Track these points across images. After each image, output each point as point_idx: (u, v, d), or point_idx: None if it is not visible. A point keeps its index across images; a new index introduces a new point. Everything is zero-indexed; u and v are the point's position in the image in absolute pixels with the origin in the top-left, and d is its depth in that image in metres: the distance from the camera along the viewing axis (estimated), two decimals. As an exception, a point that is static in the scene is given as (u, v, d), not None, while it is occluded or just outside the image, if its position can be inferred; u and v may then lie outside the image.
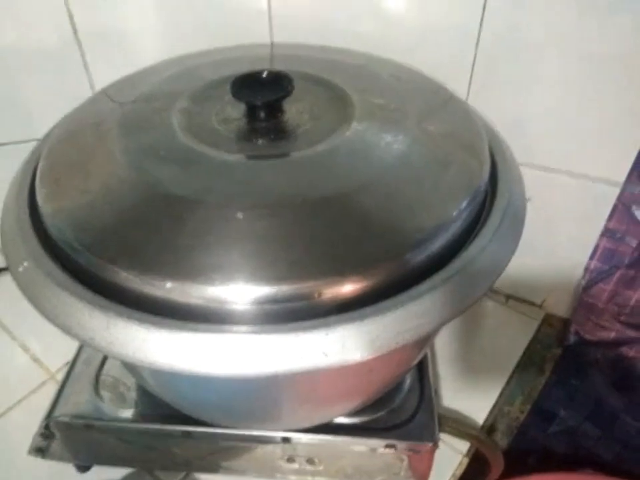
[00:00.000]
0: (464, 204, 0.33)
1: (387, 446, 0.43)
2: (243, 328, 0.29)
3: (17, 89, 0.57)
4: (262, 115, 0.37)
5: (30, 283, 0.32)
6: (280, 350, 0.28)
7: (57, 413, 0.46)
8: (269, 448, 0.45)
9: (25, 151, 0.60)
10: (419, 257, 0.31)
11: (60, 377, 0.61)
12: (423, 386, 0.46)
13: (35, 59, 0.56)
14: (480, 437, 0.50)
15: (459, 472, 0.51)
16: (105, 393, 0.47)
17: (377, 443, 0.43)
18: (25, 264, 0.32)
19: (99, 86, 0.58)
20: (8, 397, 0.59)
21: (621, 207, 0.53)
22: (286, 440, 0.44)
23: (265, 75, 0.37)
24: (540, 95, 0.51)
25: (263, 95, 0.36)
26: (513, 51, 0.49)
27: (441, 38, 0.51)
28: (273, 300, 0.29)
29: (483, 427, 0.55)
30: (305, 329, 0.28)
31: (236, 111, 0.39)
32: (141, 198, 0.32)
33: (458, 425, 0.50)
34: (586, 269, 0.59)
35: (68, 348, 0.60)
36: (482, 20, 0.48)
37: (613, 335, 0.63)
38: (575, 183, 0.55)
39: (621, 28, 0.45)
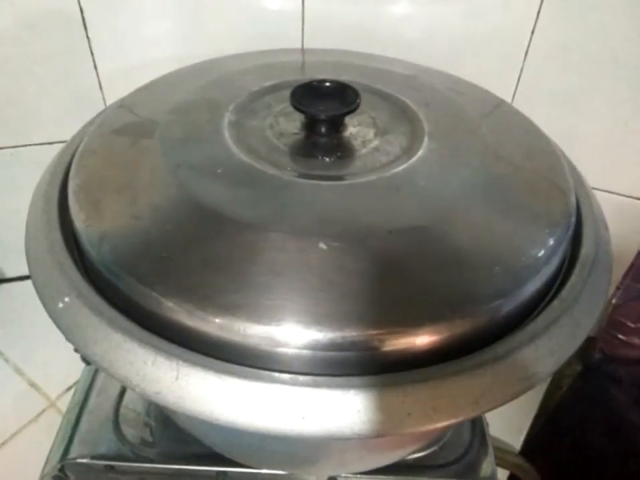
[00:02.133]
0: (559, 240, 0.30)
1: (442, 485, 0.40)
2: (323, 381, 0.25)
3: (21, 88, 0.51)
4: (323, 129, 0.34)
5: (74, 321, 0.27)
6: (359, 411, 0.24)
7: (72, 453, 0.41)
8: (310, 487, 0.42)
9: (29, 155, 0.55)
10: (513, 304, 0.28)
11: (61, 404, 0.57)
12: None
13: (41, 55, 0.50)
14: (523, 466, 0.48)
15: (501, 503, 0.49)
16: (126, 430, 0.43)
17: (431, 482, 0.40)
18: (67, 299, 0.28)
19: (107, 88, 0.53)
20: (4, 427, 0.53)
21: (661, 226, 0.52)
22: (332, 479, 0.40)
23: (327, 85, 0.34)
24: (588, 111, 0.49)
25: (327, 109, 0.33)
26: (562, 65, 0.47)
27: (487, 46, 0.48)
28: (366, 347, 0.25)
29: (520, 452, 0.53)
30: (386, 386, 0.24)
31: (291, 123, 0.35)
32: (202, 224, 0.28)
33: (502, 454, 0.47)
34: (617, 288, 0.58)
35: (67, 372, 0.55)
36: (533, 30, 0.46)
37: (639, 353, 0.62)
38: (614, 201, 0.53)
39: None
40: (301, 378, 0.25)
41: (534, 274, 0.28)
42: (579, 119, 0.50)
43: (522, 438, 0.54)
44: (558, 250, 0.30)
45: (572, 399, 0.69)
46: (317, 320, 0.25)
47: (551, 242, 0.30)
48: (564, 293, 0.29)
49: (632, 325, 0.59)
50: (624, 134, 0.50)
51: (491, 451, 0.42)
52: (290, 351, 0.26)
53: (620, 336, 0.61)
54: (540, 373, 0.26)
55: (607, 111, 0.49)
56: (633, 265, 0.55)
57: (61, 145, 0.55)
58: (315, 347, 0.25)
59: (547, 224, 0.31)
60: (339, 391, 0.24)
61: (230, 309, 0.26)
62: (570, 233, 0.32)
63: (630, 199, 0.53)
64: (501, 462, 0.47)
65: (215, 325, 0.26)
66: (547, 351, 0.26)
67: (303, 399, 0.24)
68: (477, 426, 0.43)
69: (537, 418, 0.70)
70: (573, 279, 0.30)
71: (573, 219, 0.32)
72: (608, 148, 0.51)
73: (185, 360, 0.25)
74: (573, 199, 0.33)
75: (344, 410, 0.23)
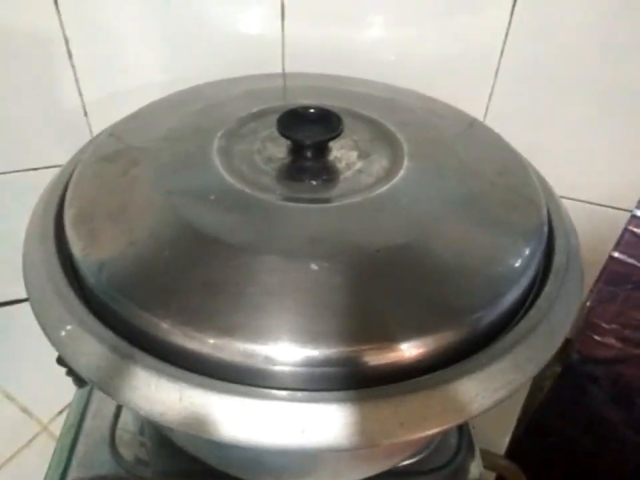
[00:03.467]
0: (534, 251, 0.32)
1: (433, 489, 0.42)
2: (326, 396, 0.26)
3: (5, 114, 0.52)
4: (308, 154, 0.35)
5: (77, 349, 0.28)
6: (355, 423, 0.25)
7: (70, 476, 0.42)
8: (305, 498, 0.43)
9: (15, 181, 0.56)
10: (494, 314, 0.30)
11: (53, 428, 0.57)
12: (460, 423, 0.45)
13: (25, 81, 0.51)
14: (510, 467, 0.50)
15: (489, 504, 0.51)
16: (123, 451, 0.44)
17: (422, 487, 0.42)
18: (69, 327, 0.29)
19: (92, 114, 0.54)
20: (-3, 454, 0.53)
21: (630, 233, 0.55)
22: (326, 489, 0.41)
23: (311, 111, 0.35)
24: (555, 126, 0.52)
25: (312, 134, 0.35)
26: (531, 82, 0.50)
27: (459, 67, 0.51)
28: (358, 362, 0.27)
29: (506, 454, 0.55)
30: (379, 398, 0.26)
31: (278, 149, 0.37)
32: (198, 249, 0.30)
33: (488, 457, 0.49)
34: (591, 291, 0.61)
35: (59, 396, 0.56)
36: (503, 50, 0.49)
37: (614, 352, 0.64)
38: (585, 210, 0.56)
39: (638, 65, 0.47)
40: (299, 394, 0.26)
41: (512, 284, 0.30)
42: (548, 132, 0.53)
43: (507, 440, 0.56)
44: (533, 260, 0.32)
45: (553, 399, 0.71)
46: (312, 338, 0.27)
47: (527, 253, 0.32)
48: (540, 301, 0.31)
49: (606, 326, 0.62)
50: (591, 146, 0.52)
51: (477, 454, 0.43)
52: (287, 368, 0.27)
53: (595, 337, 0.64)
54: (520, 378, 0.27)
55: (575, 125, 0.51)
56: (604, 268, 0.58)
57: (48, 170, 0.56)
58: (310, 363, 0.27)
59: (522, 236, 0.33)
60: (335, 404, 0.25)
61: (228, 330, 0.27)
62: (543, 243, 0.34)
63: (599, 207, 0.56)
64: (487, 464, 0.49)
65: (214, 346, 0.27)
66: (526, 357, 0.28)
67: (302, 413, 0.25)
68: (464, 431, 0.45)
69: (521, 420, 0.72)
70: (548, 287, 0.32)
71: (546, 230, 0.34)
72: (576, 159, 0.54)
73: (187, 381, 0.26)
74: (545, 211, 0.35)
75: (341, 422, 0.25)
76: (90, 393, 0.48)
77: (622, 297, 0.59)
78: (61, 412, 0.57)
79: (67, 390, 0.48)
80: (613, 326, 0.62)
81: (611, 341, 0.64)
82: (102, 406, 0.46)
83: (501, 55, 0.49)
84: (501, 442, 0.54)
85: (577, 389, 0.70)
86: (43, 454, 0.47)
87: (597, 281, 0.59)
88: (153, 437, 0.45)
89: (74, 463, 0.43)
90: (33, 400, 0.58)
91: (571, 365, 0.68)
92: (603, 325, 0.62)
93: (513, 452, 0.71)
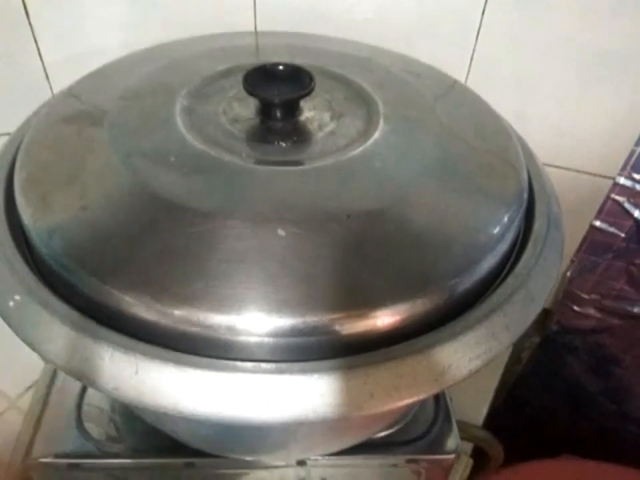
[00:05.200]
0: (512, 217, 0.31)
1: (408, 461, 0.41)
2: (282, 366, 0.25)
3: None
4: (278, 113, 0.33)
5: (25, 320, 0.26)
6: (322, 394, 0.24)
7: (35, 453, 0.41)
8: (279, 471, 0.42)
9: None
10: (470, 281, 0.28)
11: (21, 404, 0.55)
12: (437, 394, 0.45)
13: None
14: (487, 439, 0.49)
15: (466, 474, 0.50)
16: (90, 426, 0.42)
17: (398, 459, 0.41)
18: (17, 297, 0.27)
19: (53, 77, 0.51)
20: (-37, 431, 0.52)
21: (611, 201, 0.54)
22: (301, 463, 0.41)
23: (281, 68, 0.33)
24: (538, 91, 0.50)
25: (281, 92, 0.32)
26: (515, 45, 0.48)
27: (439, 26, 0.48)
28: (327, 331, 0.25)
29: (483, 425, 0.55)
30: (348, 368, 0.25)
31: (246, 108, 0.35)
32: (157, 214, 0.28)
33: (465, 428, 0.49)
34: (572, 261, 0.60)
35: (26, 371, 0.54)
36: (484, 10, 0.46)
37: (593, 323, 0.64)
38: (567, 177, 0.54)
39: (621, 29, 0.45)
40: (264, 365, 0.25)
41: (489, 251, 0.29)
42: (529, 97, 0.51)
43: (484, 411, 0.56)
44: (511, 227, 0.31)
45: (531, 370, 0.71)
46: (278, 307, 0.25)
47: (505, 219, 0.30)
48: (517, 269, 0.30)
49: (586, 297, 0.62)
50: (574, 112, 0.51)
51: (454, 425, 0.43)
52: (252, 339, 0.26)
53: (575, 307, 0.63)
54: (496, 347, 0.26)
55: (558, 90, 0.50)
56: (585, 238, 0.57)
57: (6, 137, 0.52)
58: (277, 333, 0.25)
59: (501, 202, 0.31)
60: (301, 376, 0.24)
61: (189, 299, 0.25)
62: (523, 209, 0.32)
63: (582, 174, 0.55)
64: (465, 436, 0.49)
65: (174, 317, 0.25)
66: (503, 325, 0.27)
67: (267, 386, 0.24)
68: (441, 402, 0.44)
69: (498, 391, 0.72)
70: (526, 255, 0.30)
71: (525, 196, 0.33)
72: (559, 125, 0.52)
73: (144, 353, 0.25)
74: (525, 176, 0.34)
75: (307, 394, 0.24)
76: (56, 368, 0.46)
77: (602, 266, 0.59)
78: (29, 388, 0.55)
79: (35, 365, 0.46)
80: (593, 296, 0.62)
81: (590, 311, 0.63)
82: (68, 381, 0.45)
83: (482, 16, 0.47)
84: (479, 413, 0.54)
85: (555, 360, 0.70)
86: (11, 430, 0.45)
87: (578, 250, 0.58)
88: (122, 412, 0.43)
89: (38, 439, 0.41)
90: (1, 376, 0.56)
91: (549, 335, 0.68)
92: (583, 295, 0.62)
93: (490, 423, 0.72)
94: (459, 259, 0.28)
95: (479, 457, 0.53)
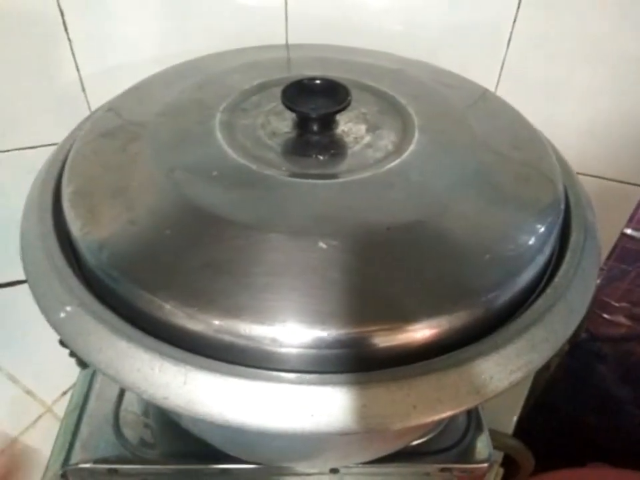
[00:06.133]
0: (550, 229, 0.31)
1: (442, 470, 0.41)
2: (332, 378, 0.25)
3: (1, 92, 0.50)
4: (315, 127, 0.34)
5: (77, 330, 0.27)
6: (365, 406, 0.24)
7: (74, 459, 0.42)
8: (312, 479, 0.42)
9: (12, 159, 0.54)
10: (509, 293, 0.28)
11: (57, 409, 0.56)
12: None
13: (21, 58, 0.49)
14: (518, 447, 0.49)
15: (497, 483, 0.50)
16: (127, 432, 0.43)
17: (430, 468, 0.41)
18: (69, 309, 0.28)
19: (90, 90, 0.53)
20: (2, 435, 0.53)
21: (643, 208, 0.53)
22: (334, 471, 0.41)
23: (317, 82, 0.34)
24: (569, 99, 0.50)
25: (319, 107, 0.33)
26: (545, 53, 0.48)
27: (469, 37, 0.49)
28: (369, 343, 0.26)
29: (514, 434, 0.54)
30: (391, 380, 0.25)
31: (283, 122, 0.35)
32: (201, 228, 0.29)
33: (497, 437, 0.49)
34: (601, 269, 0.59)
35: (62, 376, 0.55)
36: (515, 19, 0.47)
37: (623, 330, 0.64)
38: (597, 185, 0.54)
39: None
40: (307, 376, 0.25)
41: (528, 263, 0.29)
42: (560, 105, 0.51)
43: (515, 419, 0.56)
44: (550, 238, 0.31)
45: (560, 378, 0.71)
46: (320, 319, 0.26)
47: (543, 230, 0.30)
48: (557, 280, 0.30)
49: (616, 304, 0.61)
50: (604, 118, 0.51)
51: (486, 434, 0.43)
52: (294, 350, 0.26)
53: (605, 315, 0.63)
54: (537, 359, 0.26)
55: (587, 97, 0.50)
56: (616, 246, 0.57)
57: (46, 149, 0.54)
58: (319, 345, 0.26)
59: (538, 213, 0.31)
60: (345, 387, 0.24)
61: (233, 311, 0.26)
62: (560, 220, 0.32)
63: (612, 182, 0.54)
64: (495, 444, 0.49)
65: (219, 328, 0.26)
66: (543, 337, 0.27)
67: (311, 397, 0.24)
68: (472, 411, 0.44)
69: (528, 399, 0.72)
70: (565, 266, 0.31)
71: (562, 207, 0.33)
72: (589, 133, 0.52)
73: (192, 364, 0.25)
74: (561, 187, 0.34)
75: (351, 405, 0.24)
76: (94, 374, 0.47)
77: (633, 274, 0.58)
78: (65, 393, 0.56)
79: (71, 371, 0.47)
80: (623, 304, 0.61)
81: (620, 319, 0.63)
82: (106, 387, 0.46)
83: (513, 24, 0.47)
84: (509, 422, 0.54)
85: (585, 368, 0.69)
86: (47, 435, 0.46)
87: (608, 258, 0.58)
88: (158, 419, 0.44)
89: (77, 445, 0.42)
90: (37, 381, 0.57)
91: (579, 343, 0.67)
92: (613, 302, 0.61)
93: (520, 432, 0.71)
94: (498, 270, 0.28)
95: (509, 465, 0.52)
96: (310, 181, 0.31)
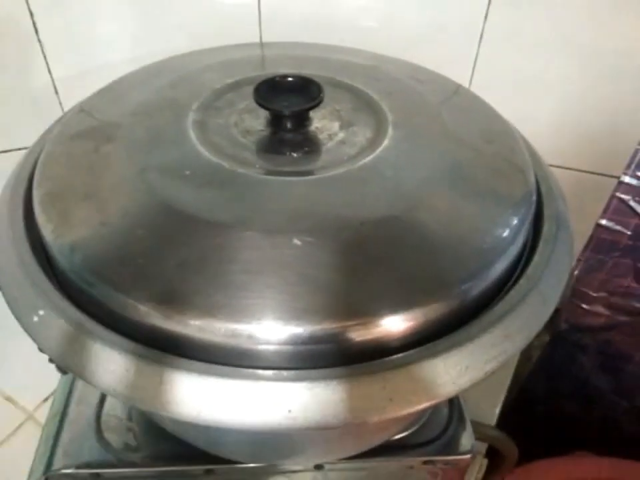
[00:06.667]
0: (522, 220, 0.31)
1: (425, 462, 0.41)
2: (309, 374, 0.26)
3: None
4: (288, 125, 0.34)
5: (51, 334, 0.27)
6: (342, 400, 0.25)
7: (56, 464, 0.41)
8: (297, 476, 0.42)
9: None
10: (483, 284, 0.29)
11: (39, 415, 0.56)
12: (450, 395, 0.45)
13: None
14: (501, 438, 0.50)
15: (481, 474, 0.51)
16: (110, 436, 0.43)
17: (414, 461, 0.41)
18: (41, 312, 0.27)
19: (63, 92, 0.52)
20: (-19, 445, 0.52)
21: (617, 200, 0.54)
22: (318, 467, 0.41)
23: (290, 80, 0.34)
24: (541, 92, 0.51)
25: (292, 104, 0.33)
26: (517, 48, 0.48)
27: (442, 33, 0.49)
28: (344, 338, 0.26)
29: (497, 425, 0.55)
30: (367, 374, 0.25)
31: (256, 120, 0.35)
32: (174, 227, 0.28)
33: (479, 428, 0.49)
34: (579, 260, 0.60)
35: (43, 382, 0.54)
36: (486, 15, 0.47)
37: (602, 320, 0.64)
38: (572, 177, 0.55)
39: (622, 27, 0.46)
40: (285, 373, 0.25)
41: (501, 254, 0.30)
42: (533, 98, 0.52)
43: (497, 411, 0.56)
44: (522, 229, 0.31)
45: (541, 369, 0.72)
46: (296, 315, 0.26)
47: (515, 222, 0.31)
48: (529, 270, 0.30)
49: (594, 294, 0.62)
50: (577, 112, 0.51)
51: (469, 426, 0.43)
52: (271, 347, 0.26)
53: (584, 305, 0.64)
54: (511, 348, 0.27)
55: (560, 91, 0.50)
56: (592, 237, 0.58)
57: (18, 153, 0.53)
58: (295, 341, 0.26)
59: (511, 205, 0.32)
60: (321, 382, 0.24)
61: (209, 310, 0.26)
62: (532, 211, 0.33)
63: (586, 174, 0.55)
64: (478, 435, 0.49)
65: (195, 327, 0.26)
66: (517, 327, 0.27)
67: (288, 393, 0.25)
68: (454, 403, 0.44)
69: (510, 390, 0.73)
70: (537, 256, 0.31)
71: (534, 198, 0.34)
72: (562, 126, 0.53)
73: (168, 364, 0.25)
74: (533, 178, 0.34)
75: (328, 401, 0.24)
76: (74, 379, 0.47)
77: (609, 264, 0.59)
78: (46, 399, 0.56)
79: (51, 377, 0.46)
80: (601, 294, 0.62)
81: (599, 308, 0.64)
82: (87, 392, 0.45)
83: (485, 20, 0.47)
84: (492, 413, 0.55)
85: (565, 358, 0.70)
86: (29, 442, 0.45)
87: (585, 249, 0.59)
88: (140, 421, 0.44)
89: (59, 451, 0.42)
90: (17, 388, 0.57)
91: (559, 334, 0.68)
92: (591, 293, 0.62)
93: (503, 423, 0.72)
94: (471, 262, 0.29)
95: (493, 456, 0.53)
96: (284, 178, 0.31)
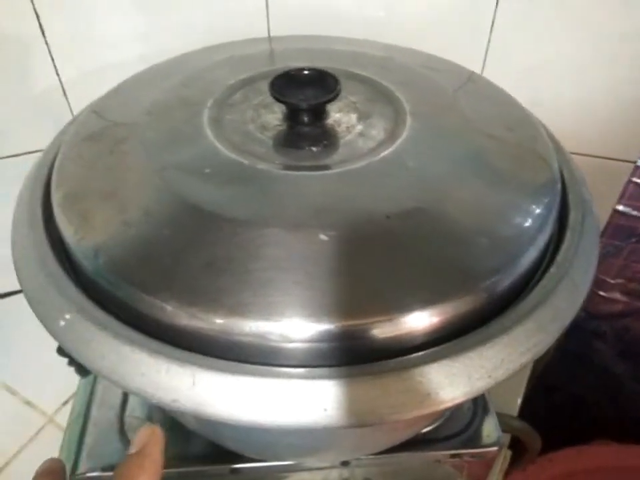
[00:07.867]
0: (549, 208, 0.31)
1: (452, 456, 0.41)
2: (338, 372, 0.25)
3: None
4: (306, 118, 0.33)
5: (78, 338, 0.26)
6: (380, 396, 0.24)
7: (81, 468, 0.41)
8: (323, 473, 0.42)
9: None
10: (514, 274, 0.28)
11: (59, 419, 0.56)
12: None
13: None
14: (525, 429, 0.49)
15: (505, 466, 0.50)
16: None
17: (440, 455, 0.41)
18: (68, 317, 0.27)
19: (71, 93, 0.52)
20: (4, 449, 0.52)
21: (633, 185, 0.54)
22: (345, 463, 0.41)
23: (306, 73, 0.33)
24: (555, 77, 0.50)
25: (308, 97, 0.33)
26: (529, 33, 0.48)
27: (452, 19, 0.48)
28: (378, 333, 0.25)
29: (518, 415, 0.55)
30: (404, 369, 0.25)
31: (272, 115, 0.35)
32: (198, 226, 0.28)
33: (503, 420, 0.49)
34: (596, 246, 0.60)
35: (62, 386, 0.54)
36: (498, 0, 0.46)
37: (620, 307, 0.64)
38: (587, 163, 0.54)
39: (637, 9, 0.45)
40: (318, 371, 0.25)
41: (530, 244, 0.29)
42: (546, 84, 0.51)
43: (519, 401, 0.56)
44: (549, 217, 0.31)
45: (559, 357, 0.71)
46: (327, 311, 0.25)
47: (543, 210, 0.30)
48: (559, 258, 0.30)
49: (612, 281, 0.62)
50: (592, 96, 0.51)
51: (494, 417, 0.43)
52: (302, 345, 0.26)
53: (601, 292, 0.63)
54: (545, 338, 0.26)
55: (575, 75, 0.50)
56: (609, 223, 0.57)
57: (30, 156, 0.53)
58: (326, 338, 0.25)
59: (537, 193, 0.31)
60: (358, 379, 0.24)
61: (237, 308, 0.26)
62: (558, 199, 0.32)
63: (602, 159, 0.54)
64: (502, 427, 0.49)
65: (223, 327, 0.26)
66: (551, 316, 0.27)
67: (322, 391, 0.24)
68: (479, 395, 0.44)
69: (529, 380, 0.72)
70: (566, 243, 0.30)
71: (559, 186, 0.33)
72: (577, 111, 0.52)
73: (200, 365, 0.25)
74: (556, 166, 0.34)
75: (365, 398, 0.24)
76: (95, 382, 0.46)
77: (627, 250, 0.59)
78: (66, 402, 0.56)
79: (70, 380, 0.46)
80: (619, 280, 0.62)
81: (617, 295, 0.63)
82: (108, 394, 0.45)
83: (496, 5, 0.47)
84: (514, 404, 0.54)
85: (583, 346, 0.69)
86: (51, 446, 0.45)
87: (602, 235, 0.58)
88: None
89: (84, 454, 0.42)
90: (36, 392, 0.56)
91: (577, 322, 0.67)
92: (608, 280, 0.62)
93: (525, 413, 0.71)
94: (501, 253, 0.28)
95: (516, 447, 0.53)
96: (305, 173, 0.31)
